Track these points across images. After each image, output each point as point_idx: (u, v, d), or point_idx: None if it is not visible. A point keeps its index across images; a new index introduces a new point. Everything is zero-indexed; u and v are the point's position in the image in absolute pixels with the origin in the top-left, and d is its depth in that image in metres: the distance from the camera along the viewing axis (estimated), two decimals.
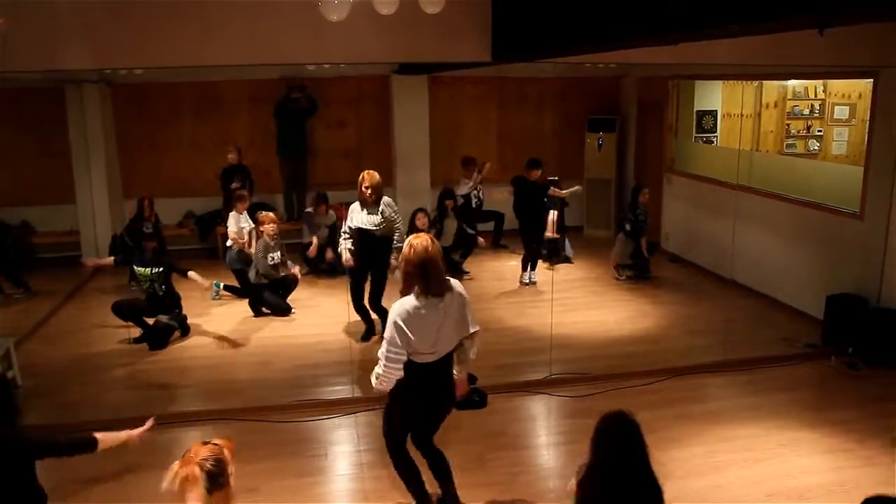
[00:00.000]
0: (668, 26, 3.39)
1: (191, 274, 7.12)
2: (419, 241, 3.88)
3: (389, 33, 5.27)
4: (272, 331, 7.67)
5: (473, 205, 10.22)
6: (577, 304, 8.35)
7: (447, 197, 9.44)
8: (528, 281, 9.12)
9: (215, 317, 8.09)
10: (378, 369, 3.91)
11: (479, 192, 10.26)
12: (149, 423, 3.80)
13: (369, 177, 6.75)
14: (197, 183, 9.68)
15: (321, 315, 8.06)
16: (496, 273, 9.69)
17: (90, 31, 4.98)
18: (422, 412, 4.16)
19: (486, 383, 6.17)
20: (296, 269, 8.28)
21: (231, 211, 8.52)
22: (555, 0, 4.56)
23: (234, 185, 9.36)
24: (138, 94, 10.15)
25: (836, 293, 7.22)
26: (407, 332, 3.81)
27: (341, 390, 6.23)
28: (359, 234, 6.85)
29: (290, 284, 8.23)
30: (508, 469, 5.01)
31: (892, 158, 6.84)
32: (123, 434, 3.71)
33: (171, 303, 7.36)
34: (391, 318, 3.86)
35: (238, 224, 8.27)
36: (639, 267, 9.40)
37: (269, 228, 7.94)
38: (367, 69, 9.72)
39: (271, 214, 8.11)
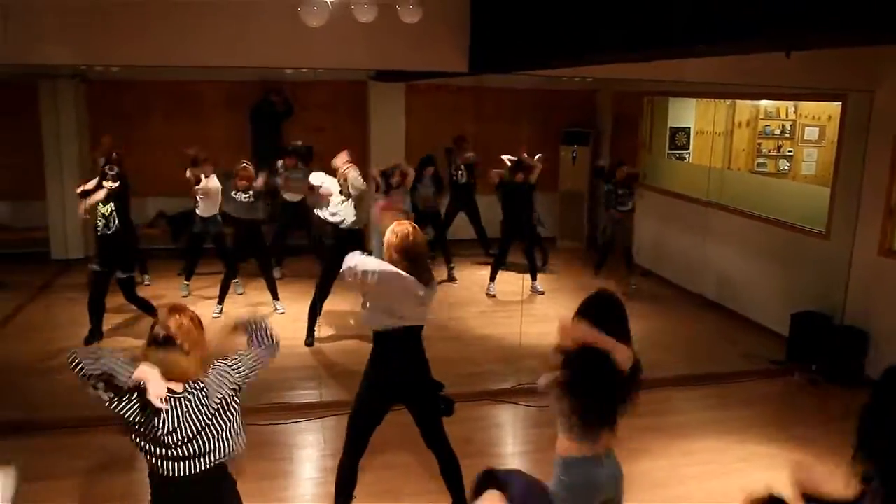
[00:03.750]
0: (641, 43, 3.46)
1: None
2: (402, 228, 3.88)
3: (368, 40, 5.29)
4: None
5: (452, 179, 10.10)
6: (547, 314, 8.38)
7: (427, 164, 9.38)
8: (493, 292, 9.03)
9: None
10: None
11: (462, 170, 10.04)
12: None
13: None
14: (170, 183, 9.57)
15: (290, 318, 8.01)
16: (463, 282, 9.70)
17: (70, 27, 4.96)
18: (379, 396, 4.16)
19: (454, 391, 6.18)
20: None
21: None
22: (532, 14, 4.62)
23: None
24: (113, 90, 10.04)
25: (800, 310, 7.33)
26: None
27: (309, 394, 6.22)
28: (334, 230, 6.89)
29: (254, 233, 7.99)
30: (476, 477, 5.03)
31: (858, 180, 6.99)
32: None
33: (124, 245, 6.95)
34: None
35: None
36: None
37: (241, 184, 7.75)
38: (344, 74, 9.71)
39: (250, 169, 7.89)
